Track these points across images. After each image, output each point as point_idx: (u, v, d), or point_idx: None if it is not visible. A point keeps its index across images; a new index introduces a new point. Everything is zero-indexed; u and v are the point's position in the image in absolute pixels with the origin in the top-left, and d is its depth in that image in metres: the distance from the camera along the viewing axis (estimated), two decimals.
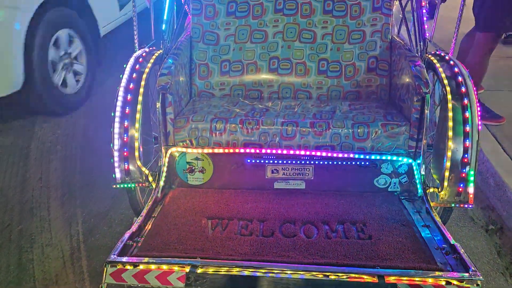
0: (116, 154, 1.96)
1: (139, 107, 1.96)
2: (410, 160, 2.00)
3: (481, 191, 2.85)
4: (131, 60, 2.12)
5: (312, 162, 2.05)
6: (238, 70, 2.45)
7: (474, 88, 1.91)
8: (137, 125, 1.95)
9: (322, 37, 2.42)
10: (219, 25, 2.46)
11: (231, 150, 2.05)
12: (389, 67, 2.39)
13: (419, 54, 2.17)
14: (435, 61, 2.06)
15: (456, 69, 1.96)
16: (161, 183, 2.03)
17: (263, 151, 2.04)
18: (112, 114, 1.98)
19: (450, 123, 1.84)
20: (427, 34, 2.13)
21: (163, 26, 2.25)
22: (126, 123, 1.95)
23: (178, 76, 2.19)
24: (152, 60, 2.13)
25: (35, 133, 3.54)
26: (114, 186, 1.99)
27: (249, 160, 2.07)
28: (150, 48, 2.28)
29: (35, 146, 3.36)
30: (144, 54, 2.19)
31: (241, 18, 2.46)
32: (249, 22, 2.46)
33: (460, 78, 1.92)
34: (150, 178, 2.02)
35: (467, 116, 1.83)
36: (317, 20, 2.43)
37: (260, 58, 2.44)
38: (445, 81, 1.93)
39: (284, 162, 2.06)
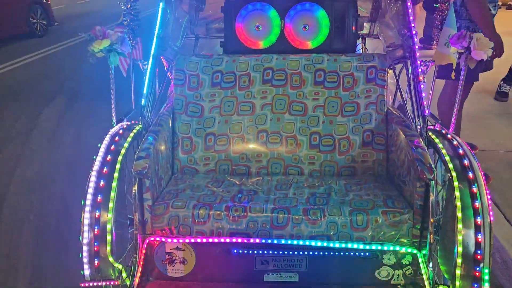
0: (85, 248, 1.73)
1: (112, 194, 1.76)
2: (415, 251, 1.80)
3: None
4: (106, 139, 1.93)
5: (306, 252, 1.84)
6: (224, 144, 2.28)
7: (482, 173, 1.75)
8: (109, 215, 1.74)
9: (314, 109, 2.28)
10: (204, 96, 2.31)
11: (216, 240, 1.84)
12: (386, 141, 2.23)
13: (418, 131, 2.02)
14: (436, 140, 1.91)
15: (460, 151, 1.81)
16: (136, 280, 1.79)
17: (252, 240, 1.83)
18: (82, 202, 1.77)
19: (459, 214, 1.66)
20: (427, 111, 1.99)
21: (143, 101, 2.09)
22: (97, 213, 1.74)
23: (158, 154, 2.01)
24: (129, 139, 1.95)
25: None
26: (82, 284, 1.75)
27: (235, 251, 1.85)
28: (128, 123, 2.11)
29: None
30: (121, 131, 2.01)
31: (227, 89, 2.31)
32: (236, 93, 2.31)
33: (466, 162, 1.76)
34: (124, 274, 1.78)
35: (477, 206, 1.66)
36: (307, 91, 2.29)
37: (248, 131, 2.28)
38: (450, 165, 1.76)
39: (275, 252, 1.85)
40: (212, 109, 2.31)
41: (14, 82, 6.43)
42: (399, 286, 1.84)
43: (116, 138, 1.94)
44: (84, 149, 3.97)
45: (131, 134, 1.99)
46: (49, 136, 4.48)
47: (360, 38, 2.79)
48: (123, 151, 1.88)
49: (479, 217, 1.63)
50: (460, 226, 1.65)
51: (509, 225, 2.76)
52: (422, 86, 2.04)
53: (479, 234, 1.62)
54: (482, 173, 1.76)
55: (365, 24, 2.74)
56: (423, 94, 2.02)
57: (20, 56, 7.83)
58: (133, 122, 2.16)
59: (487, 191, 1.71)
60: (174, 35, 2.46)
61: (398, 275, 1.84)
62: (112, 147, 1.89)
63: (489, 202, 1.68)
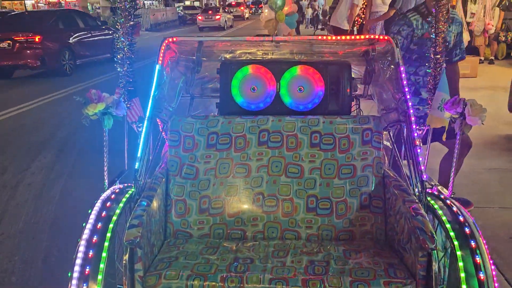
0: None
1: (101, 266, 1.67)
2: None
3: None
4: (97, 205, 1.87)
5: None
6: (219, 207, 2.22)
7: (484, 241, 1.71)
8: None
9: (310, 172, 2.25)
10: (199, 158, 2.28)
11: None
12: (384, 204, 2.20)
13: (416, 195, 1.99)
14: (435, 206, 1.88)
15: (461, 218, 1.78)
16: None
17: None
18: (69, 274, 1.67)
19: (464, 286, 1.60)
20: (425, 176, 1.98)
21: (136, 165, 2.04)
22: (84, 287, 1.64)
23: (150, 220, 1.94)
24: (121, 205, 1.89)
25: None
26: None
27: None
28: (121, 186, 2.05)
29: None
30: (113, 195, 1.95)
31: (223, 151, 2.29)
32: (231, 155, 2.28)
33: (467, 230, 1.72)
34: None
35: (482, 278, 1.60)
36: (304, 153, 2.28)
37: (243, 194, 2.23)
38: (452, 233, 1.72)
39: None
40: (207, 171, 2.27)
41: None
42: None
43: (108, 204, 1.88)
44: (71, 205, 3.86)
45: (123, 199, 1.93)
46: (36, 190, 4.37)
47: (354, 100, 2.83)
48: (114, 217, 1.81)
49: None
50: None
51: (509, 287, 2.70)
52: (418, 150, 2.03)
53: None
54: (484, 242, 1.72)
55: (358, 85, 2.78)
56: (420, 159, 2.02)
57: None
58: (125, 185, 2.10)
59: (491, 261, 1.67)
60: (169, 96, 2.46)
61: None
62: (103, 213, 1.82)
63: (494, 272, 1.64)
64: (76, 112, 2.42)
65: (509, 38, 7.73)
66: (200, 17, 29.51)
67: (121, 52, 2.22)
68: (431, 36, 2.21)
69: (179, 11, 39.61)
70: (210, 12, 29.58)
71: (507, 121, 5.88)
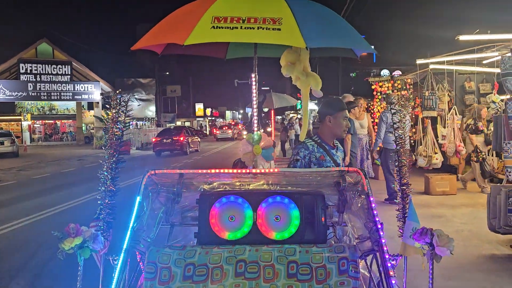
0: None
1: None
2: None
3: None
4: None
5: None
6: None
7: None
8: None
9: None
10: None
11: None
12: None
13: None
14: None
15: None
16: None
17: None
18: None
19: None
20: None
21: None
22: None
23: None
24: None
25: None
26: None
27: None
28: None
29: None
30: None
31: (199, 283, 2.26)
32: (208, 287, 2.25)
33: None
34: None
35: None
36: (281, 284, 2.26)
37: None
38: None
39: None
40: None
41: None
42: None
43: None
44: None
45: None
46: None
47: (330, 228, 2.89)
48: None
49: None
50: None
51: None
52: (393, 281, 2.04)
53: None
54: None
55: (334, 213, 2.87)
56: None
57: None
58: None
59: None
60: (148, 226, 2.49)
61: None
62: None
63: None
64: None
65: (480, 158, 8.20)
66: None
67: (104, 186, 2.31)
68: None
69: None
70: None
71: (490, 240, 5.91)
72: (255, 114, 2.73)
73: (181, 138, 23.97)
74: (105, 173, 2.27)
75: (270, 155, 2.66)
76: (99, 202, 2.32)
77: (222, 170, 2.47)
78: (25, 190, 12.46)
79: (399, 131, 2.37)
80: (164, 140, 23.93)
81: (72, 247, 1.98)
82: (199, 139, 28.43)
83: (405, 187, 2.33)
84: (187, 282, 2.26)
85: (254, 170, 2.45)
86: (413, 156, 9.51)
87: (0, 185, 13.55)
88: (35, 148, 32.16)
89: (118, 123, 2.36)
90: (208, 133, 56.87)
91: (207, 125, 48.72)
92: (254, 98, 2.86)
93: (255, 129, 2.68)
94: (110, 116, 2.34)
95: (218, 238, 2.51)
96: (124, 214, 2.37)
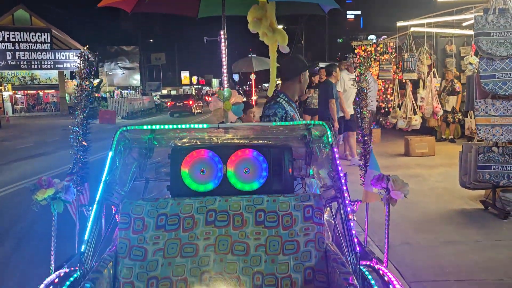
0: None
1: None
2: None
3: None
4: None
5: None
6: (166, 287, 2.25)
7: None
8: None
9: (256, 249, 2.34)
10: (148, 239, 2.35)
11: None
12: (327, 278, 2.28)
13: (352, 268, 2.10)
14: (369, 276, 1.99)
15: (391, 287, 1.88)
16: None
17: None
18: None
19: None
20: (358, 248, 2.10)
21: (82, 247, 2.10)
22: None
23: None
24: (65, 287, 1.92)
25: None
26: None
27: None
28: (67, 271, 2.08)
29: None
30: (57, 279, 1.98)
31: (171, 231, 2.37)
32: (180, 235, 2.37)
33: None
34: None
35: None
36: (249, 231, 2.38)
37: (191, 273, 2.28)
38: None
39: None
40: (156, 252, 2.32)
41: None
42: None
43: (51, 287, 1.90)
44: None
45: (68, 283, 1.96)
46: None
47: (299, 178, 3.01)
48: None
49: None
50: None
51: None
52: (352, 224, 2.18)
53: None
54: None
55: (303, 166, 2.98)
56: (353, 232, 2.16)
57: None
58: (72, 269, 2.13)
59: None
60: (122, 180, 2.58)
61: None
62: None
63: None
64: None
65: (457, 119, 8.37)
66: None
67: (76, 141, 2.38)
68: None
69: (156, 99, 41.00)
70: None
71: (461, 195, 6.16)
72: (225, 71, 2.78)
73: (190, 102, 31.82)
74: (76, 129, 2.33)
75: (240, 111, 2.73)
76: (71, 154, 2.39)
77: (192, 125, 2.55)
78: (8, 159, 12.41)
79: (361, 84, 2.46)
80: (177, 104, 31.76)
81: (45, 198, 2.07)
82: (201, 103, 35.87)
83: (366, 138, 2.44)
84: (159, 231, 2.37)
85: (222, 125, 2.53)
86: (393, 119, 9.68)
87: None
88: (18, 119, 31.67)
89: (88, 79, 2.40)
90: None
91: (193, 93, 48.58)
92: (224, 56, 2.91)
93: (225, 86, 2.74)
94: (79, 73, 2.38)
95: (189, 190, 2.62)
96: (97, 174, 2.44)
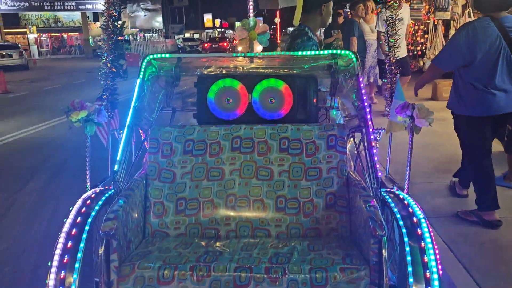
0: None
1: (79, 255, 1.82)
2: None
3: None
4: (78, 203, 2.04)
5: None
6: (194, 208, 2.38)
7: (431, 230, 1.87)
8: (75, 275, 1.79)
9: (279, 174, 2.42)
10: (176, 163, 2.46)
11: None
12: (347, 203, 2.36)
13: (373, 192, 2.16)
14: (389, 200, 2.05)
15: (410, 209, 1.94)
16: None
17: None
18: (49, 263, 1.82)
19: (410, 268, 1.75)
20: (379, 173, 2.15)
21: (116, 167, 2.22)
22: (62, 274, 1.78)
23: (128, 217, 2.10)
24: (100, 202, 2.05)
25: None
26: None
27: None
28: (102, 188, 2.22)
29: None
30: (93, 195, 2.11)
31: (198, 156, 2.47)
32: (206, 160, 2.46)
33: (415, 219, 1.88)
34: None
35: (425, 260, 1.75)
36: (273, 158, 2.46)
37: (217, 195, 2.40)
38: (401, 222, 1.89)
39: None
40: (184, 175, 2.44)
41: None
42: None
43: (88, 202, 2.04)
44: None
45: (103, 198, 2.09)
46: (28, 209, 4.51)
47: (323, 110, 3.03)
48: (93, 213, 1.97)
49: (427, 271, 1.72)
50: (411, 280, 1.73)
51: (477, 286, 2.81)
52: (374, 151, 2.22)
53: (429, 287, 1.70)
54: (431, 230, 1.88)
55: (327, 97, 2.99)
56: (376, 158, 2.20)
57: None
58: (106, 187, 2.27)
59: (435, 246, 1.82)
60: (150, 107, 2.66)
61: None
62: (83, 209, 1.98)
63: (438, 256, 1.78)
64: None
65: None
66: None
67: (105, 68, 2.43)
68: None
69: (179, 43, 40.66)
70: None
71: None
72: (251, 6, 2.72)
73: (225, 44, 36.96)
74: (105, 54, 2.37)
75: (266, 40, 2.71)
76: (102, 83, 2.46)
77: (218, 54, 2.56)
78: (38, 100, 12.75)
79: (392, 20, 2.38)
80: (213, 46, 36.75)
81: (79, 120, 2.16)
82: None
83: (393, 67, 2.41)
84: (187, 155, 2.47)
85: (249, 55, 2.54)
86: (421, 61, 9.37)
87: (13, 95, 13.85)
88: (44, 62, 32.07)
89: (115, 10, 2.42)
90: None
91: (217, 37, 48.09)
92: None
93: (251, 15, 2.70)
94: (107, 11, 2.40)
95: (215, 118, 2.68)
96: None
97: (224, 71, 2.73)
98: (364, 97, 2.38)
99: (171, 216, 2.37)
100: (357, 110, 2.47)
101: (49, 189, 5.11)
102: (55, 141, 7.48)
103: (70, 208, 2.00)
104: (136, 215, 2.23)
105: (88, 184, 2.26)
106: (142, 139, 2.64)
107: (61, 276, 1.78)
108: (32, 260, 3.44)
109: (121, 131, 2.40)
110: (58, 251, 1.83)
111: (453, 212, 3.84)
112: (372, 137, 2.25)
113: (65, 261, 1.80)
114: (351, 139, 2.65)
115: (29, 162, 6.24)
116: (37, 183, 5.32)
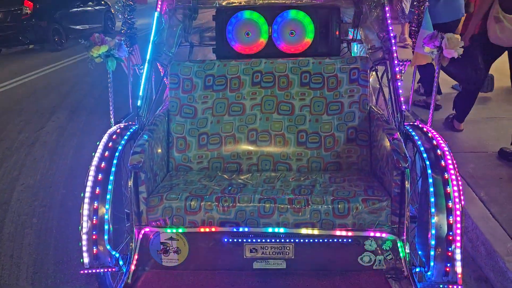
0: (84, 237, 1.85)
1: (110, 187, 1.89)
2: (394, 237, 1.91)
3: (473, 260, 2.73)
4: (105, 137, 2.07)
5: (292, 240, 1.95)
6: (216, 143, 2.41)
7: (454, 161, 1.87)
8: (107, 206, 1.87)
9: (300, 109, 2.41)
10: (197, 99, 2.46)
11: (207, 230, 1.95)
12: (369, 137, 2.36)
13: (396, 125, 2.15)
14: (413, 133, 2.04)
15: (434, 142, 1.93)
16: (132, 267, 1.90)
17: (240, 229, 1.95)
18: (82, 194, 1.90)
19: (432, 199, 1.78)
20: (404, 107, 2.13)
21: (138, 102, 2.23)
22: (95, 204, 1.86)
23: (153, 151, 2.14)
24: (126, 137, 2.09)
25: None
26: (82, 271, 1.87)
27: (226, 239, 1.96)
28: (126, 124, 2.25)
29: None
30: (118, 130, 2.14)
31: (219, 92, 2.46)
32: (227, 95, 2.45)
33: (439, 151, 1.88)
34: (121, 262, 1.90)
35: (448, 191, 1.77)
36: (294, 92, 2.43)
37: (238, 130, 2.41)
38: (424, 155, 1.89)
39: (263, 240, 1.96)
40: (205, 111, 2.44)
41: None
42: (381, 271, 1.94)
43: (114, 137, 2.08)
44: (84, 158, 4.10)
45: (128, 133, 2.13)
46: (51, 147, 4.63)
47: (345, 43, 2.95)
48: (120, 147, 2.01)
49: (449, 201, 1.75)
50: (433, 210, 1.76)
51: (494, 220, 2.86)
52: (399, 83, 2.17)
53: (451, 217, 1.74)
54: (455, 162, 1.88)
55: (349, 30, 2.89)
56: (400, 91, 2.16)
57: None
58: (130, 123, 2.29)
59: (459, 177, 1.83)
60: (168, 42, 2.61)
61: (380, 260, 1.94)
62: (110, 144, 2.02)
63: (461, 187, 1.80)
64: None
65: None
66: None
67: (121, 0, 2.37)
68: None
69: None
70: None
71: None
72: None
73: None
74: None
75: None
76: (120, 17, 2.40)
77: None
78: None
79: None
80: None
81: (100, 55, 2.14)
82: None
83: None
84: (208, 90, 2.46)
85: None
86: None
87: None
88: None
89: None
90: None
91: None
92: None
93: None
94: None
95: (235, 52, 2.63)
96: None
97: (243, 2, 2.64)
98: (390, 28, 2.30)
99: (194, 150, 2.40)
100: (382, 41, 2.39)
101: (70, 127, 5.21)
102: (71, 80, 7.50)
103: (98, 143, 2.04)
104: (160, 150, 2.28)
105: (112, 120, 2.29)
106: (162, 75, 2.63)
107: (94, 207, 1.85)
108: (59, 194, 3.59)
109: (142, 67, 2.38)
110: (89, 183, 1.89)
111: (472, 147, 3.83)
112: (397, 69, 2.20)
113: (97, 192, 1.87)
114: (373, 73, 2.59)
115: (48, 101, 6.31)
116: (56, 121, 5.41)
